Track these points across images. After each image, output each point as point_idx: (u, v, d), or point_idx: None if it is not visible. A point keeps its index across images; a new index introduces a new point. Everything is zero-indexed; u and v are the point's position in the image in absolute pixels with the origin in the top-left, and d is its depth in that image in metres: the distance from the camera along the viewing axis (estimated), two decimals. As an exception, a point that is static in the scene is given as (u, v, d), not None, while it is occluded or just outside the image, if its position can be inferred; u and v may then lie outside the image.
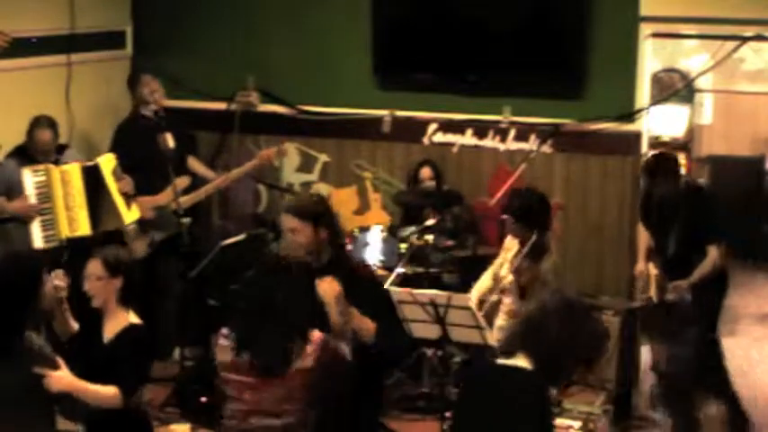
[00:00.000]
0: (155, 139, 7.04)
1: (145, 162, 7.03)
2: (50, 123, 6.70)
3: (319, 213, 4.71)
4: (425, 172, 7.48)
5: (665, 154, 6.90)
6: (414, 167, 7.58)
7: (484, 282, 5.92)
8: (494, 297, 5.79)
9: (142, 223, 7.02)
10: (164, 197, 7.15)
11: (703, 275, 6.25)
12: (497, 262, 5.95)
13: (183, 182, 7.23)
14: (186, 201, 7.15)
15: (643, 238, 6.79)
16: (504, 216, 5.66)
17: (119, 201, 6.74)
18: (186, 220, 7.04)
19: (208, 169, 7.68)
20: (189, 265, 6.84)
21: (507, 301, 5.65)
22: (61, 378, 4.48)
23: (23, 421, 4.43)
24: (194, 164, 7.64)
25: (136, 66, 8.20)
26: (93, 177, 6.71)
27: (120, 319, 4.72)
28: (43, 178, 6.56)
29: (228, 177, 7.48)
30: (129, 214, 6.77)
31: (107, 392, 4.53)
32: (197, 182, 7.55)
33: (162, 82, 7.55)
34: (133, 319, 4.74)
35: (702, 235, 6.31)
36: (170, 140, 7.05)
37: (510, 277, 5.55)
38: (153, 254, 7.17)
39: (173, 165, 7.05)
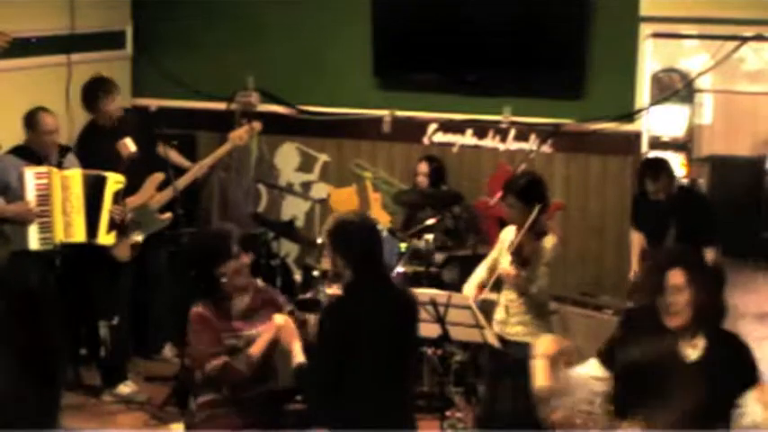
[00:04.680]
0: (116, 147, 7.01)
1: (111, 170, 6.93)
2: (48, 110, 6.68)
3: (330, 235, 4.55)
4: (422, 166, 7.48)
5: (657, 158, 6.93)
6: (416, 162, 7.59)
7: (479, 273, 5.87)
8: (491, 295, 5.77)
9: (123, 226, 6.97)
10: (139, 198, 7.07)
11: None
12: (492, 254, 5.90)
13: (156, 178, 7.14)
14: (164, 196, 7.08)
15: (636, 240, 6.78)
16: (505, 198, 5.61)
17: (104, 220, 6.71)
18: (166, 215, 7.04)
19: (183, 158, 7.52)
20: (182, 263, 6.84)
21: (506, 293, 5.64)
22: None
23: None
24: (169, 153, 7.38)
25: (135, 67, 8.21)
26: (96, 188, 6.69)
27: None
28: (45, 181, 6.55)
29: (203, 165, 7.35)
30: (105, 237, 6.72)
31: None
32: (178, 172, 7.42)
33: (162, 82, 7.53)
34: None
35: (698, 237, 6.31)
36: (130, 145, 6.93)
37: (508, 259, 5.50)
38: (142, 252, 7.17)
39: (141, 166, 7.01)
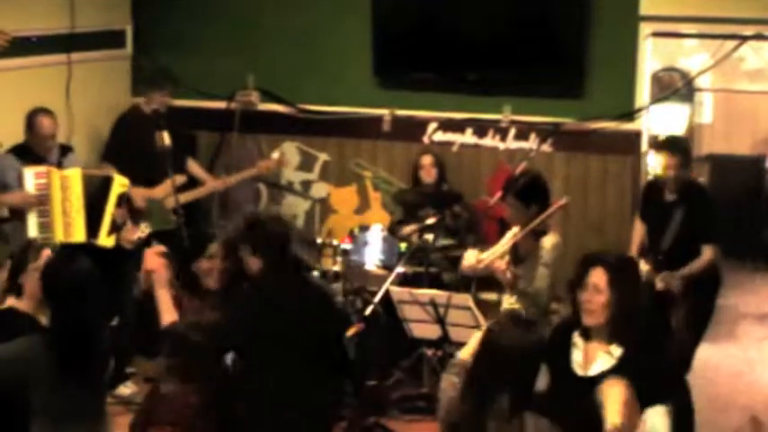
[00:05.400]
0: (152, 136, 7.08)
1: (141, 156, 7.04)
2: (50, 112, 6.73)
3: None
4: (426, 158, 7.43)
5: (677, 135, 6.88)
6: (415, 158, 7.56)
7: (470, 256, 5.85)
8: (490, 296, 5.78)
9: (134, 213, 7.02)
10: (159, 191, 7.15)
11: (694, 272, 6.23)
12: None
13: (178, 180, 7.19)
14: (180, 199, 7.13)
15: (637, 234, 6.77)
16: (505, 198, 5.58)
17: (106, 221, 6.72)
18: (176, 218, 7.09)
19: (205, 172, 7.68)
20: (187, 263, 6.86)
21: (506, 297, 5.65)
22: None
23: None
24: (193, 166, 7.62)
25: (135, 66, 8.23)
26: (101, 188, 6.72)
27: None
28: (44, 180, 6.56)
29: (226, 182, 7.53)
30: (105, 239, 6.74)
31: None
32: (194, 184, 7.56)
33: (161, 81, 7.57)
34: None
35: (698, 234, 6.31)
36: (166, 138, 7.05)
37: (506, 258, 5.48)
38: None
39: (169, 162, 7.07)
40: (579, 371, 3.88)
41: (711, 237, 6.29)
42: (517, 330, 3.62)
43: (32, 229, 6.53)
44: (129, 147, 7.15)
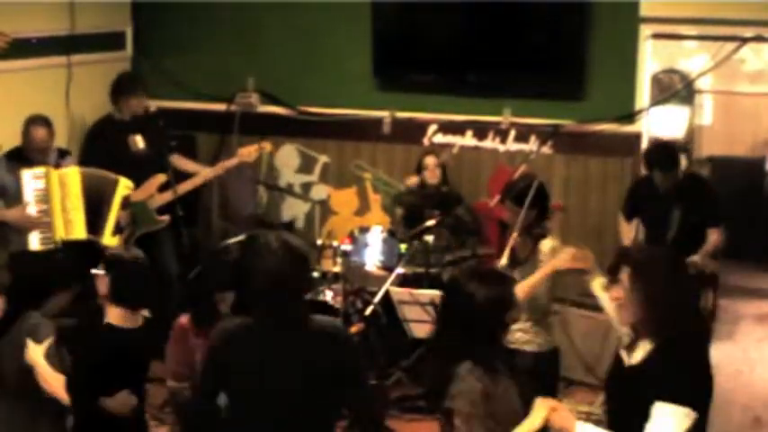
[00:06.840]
0: (125, 141, 7.14)
1: (117, 162, 7.01)
2: (45, 121, 6.71)
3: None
4: (430, 159, 7.41)
5: (667, 148, 6.89)
6: (418, 158, 7.54)
7: None
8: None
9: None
10: (139, 193, 7.14)
11: (708, 253, 6.28)
12: None
13: (158, 180, 7.18)
14: (164, 198, 7.14)
15: (627, 232, 6.76)
16: (504, 202, 5.57)
17: (110, 222, 6.74)
18: (163, 218, 7.10)
19: (196, 165, 7.57)
20: (187, 266, 6.86)
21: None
22: None
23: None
24: (178, 161, 7.45)
25: (135, 68, 8.22)
26: (106, 188, 6.74)
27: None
28: (42, 180, 6.57)
29: (205, 176, 7.41)
30: (109, 239, 6.76)
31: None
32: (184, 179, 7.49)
33: (162, 83, 7.57)
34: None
35: (703, 220, 6.36)
36: (139, 142, 7.12)
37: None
38: (150, 251, 7.20)
39: (146, 164, 7.07)
40: (626, 359, 3.87)
41: (718, 221, 6.36)
42: (475, 283, 3.78)
43: (33, 239, 6.54)
44: (103, 155, 7.11)
